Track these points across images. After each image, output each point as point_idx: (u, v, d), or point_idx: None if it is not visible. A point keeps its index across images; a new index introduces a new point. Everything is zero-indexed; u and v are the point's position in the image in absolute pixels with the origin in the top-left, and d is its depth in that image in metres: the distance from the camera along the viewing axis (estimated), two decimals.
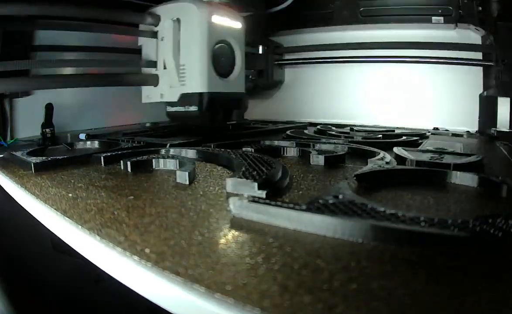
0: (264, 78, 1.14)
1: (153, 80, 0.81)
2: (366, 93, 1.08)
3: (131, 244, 0.22)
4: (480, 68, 0.94)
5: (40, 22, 0.76)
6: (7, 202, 0.41)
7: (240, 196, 0.27)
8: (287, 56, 1.18)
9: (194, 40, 0.73)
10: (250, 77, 1.12)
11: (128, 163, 0.40)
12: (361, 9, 1.04)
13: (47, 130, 0.91)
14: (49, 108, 0.91)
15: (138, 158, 0.44)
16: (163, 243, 0.22)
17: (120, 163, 0.43)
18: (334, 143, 0.56)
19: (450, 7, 0.94)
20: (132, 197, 0.31)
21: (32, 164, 0.41)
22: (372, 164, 0.37)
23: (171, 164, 0.42)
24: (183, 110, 0.77)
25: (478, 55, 0.93)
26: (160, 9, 0.78)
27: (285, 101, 1.20)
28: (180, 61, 0.75)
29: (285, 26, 1.14)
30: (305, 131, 0.84)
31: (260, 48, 1.12)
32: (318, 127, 0.88)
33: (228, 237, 0.23)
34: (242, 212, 0.26)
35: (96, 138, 0.83)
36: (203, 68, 0.74)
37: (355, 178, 0.33)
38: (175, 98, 0.77)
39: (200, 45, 0.73)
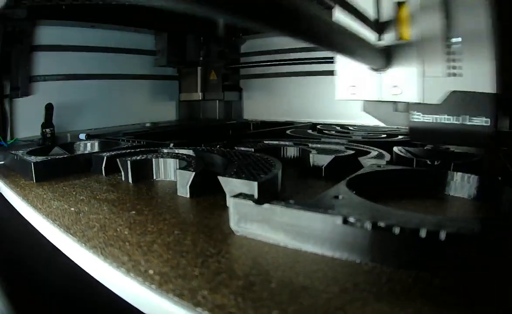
0: None
1: (380, 58, 0.46)
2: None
3: (134, 264, 0.22)
4: None
5: None
6: (7, 202, 0.42)
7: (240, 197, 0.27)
8: (285, 56, 1.17)
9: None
10: None
11: (129, 174, 0.40)
12: None
13: (47, 130, 0.91)
14: (49, 108, 0.91)
15: (137, 157, 0.43)
16: (166, 264, 0.22)
17: (121, 173, 0.43)
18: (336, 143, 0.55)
19: None
20: (134, 212, 0.31)
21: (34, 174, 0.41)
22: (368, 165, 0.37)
23: (171, 172, 0.42)
24: (459, 123, 0.46)
25: None
26: None
27: (284, 101, 1.20)
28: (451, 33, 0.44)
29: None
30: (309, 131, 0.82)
31: None
32: (318, 127, 0.88)
33: (229, 256, 0.24)
34: (242, 227, 0.26)
35: (96, 139, 0.83)
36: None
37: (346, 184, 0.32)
38: (435, 99, 0.46)
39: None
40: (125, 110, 1.13)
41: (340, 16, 0.43)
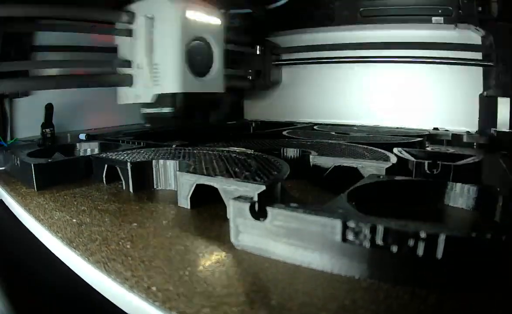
0: (261, 79, 1.14)
1: (128, 80, 0.77)
2: (365, 93, 1.08)
3: (137, 280, 0.23)
4: (480, 68, 0.94)
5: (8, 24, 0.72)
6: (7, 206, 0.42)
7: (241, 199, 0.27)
8: (284, 56, 1.18)
9: (167, 37, 0.70)
10: (249, 77, 1.11)
11: (130, 183, 0.41)
12: (361, 9, 1.03)
13: (47, 130, 0.91)
14: (49, 108, 0.91)
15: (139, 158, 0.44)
16: (169, 280, 0.23)
17: (121, 181, 0.43)
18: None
19: (450, 7, 0.94)
20: (135, 224, 0.32)
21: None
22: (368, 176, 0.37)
23: (172, 181, 0.43)
24: (158, 111, 0.75)
25: (478, 55, 0.93)
26: (135, 6, 0.74)
27: (284, 101, 1.20)
28: (154, 60, 0.72)
29: (283, 26, 1.13)
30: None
31: (257, 48, 1.12)
32: (315, 127, 0.88)
33: (230, 272, 0.24)
34: (242, 241, 0.26)
35: (96, 139, 0.83)
36: (176, 67, 0.71)
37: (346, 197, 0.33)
38: (149, 99, 0.75)
39: (174, 42, 0.70)
40: (125, 110, 1.13)
41: None
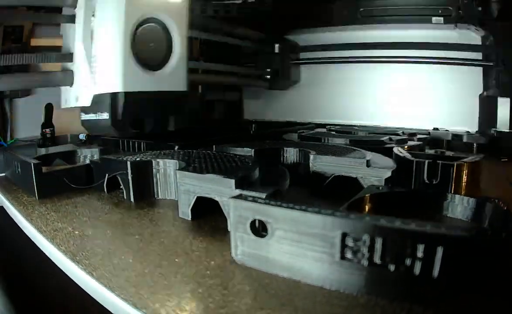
0: (280, 78, 1.10)
1: (68, 79, 0.59)
2: (365, 93, 1.08)
3: (141, 297, 0.23)
4: (480, 68, 0.94)
5: None
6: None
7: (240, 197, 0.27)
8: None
9: (108, 19, 0.52)
10: (266, 76, 1.09)
11: (131, 193, 0.41)
12: (361, 9, 1.03)
13: (47, 130, 0.91)
14: (49, 108, 0.91)
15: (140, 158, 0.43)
16: (172, 297, 0.23)
17: (122, 189, 0.43)
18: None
19: (450, 7, 0.93)
20: (137, 236, 0.32)
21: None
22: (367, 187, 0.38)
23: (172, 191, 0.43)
24: (95, 118, 0.58)
25: (478, 55, 0.93)
26: None
27: (291, 101, 1.20)
28: (92, 51, 0.54)
29: (300, 24, 1.12)
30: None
31: (276, 46, 1.07)
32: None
33: (232, 289, 0.25)
34: (242, 256, 0.27)
35: (95, 139, 0.83)
36: (117, 57, 0.52)
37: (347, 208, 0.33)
38: (87, 102, 0.57)
39: (115, 25, 0.51)
40: None
41: None
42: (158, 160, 0.43)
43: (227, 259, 0.28)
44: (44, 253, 0.33)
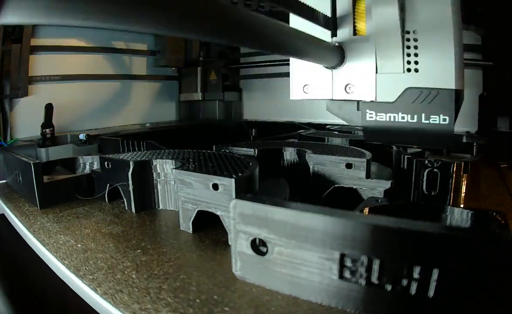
0: None
1: (331, 56, 0.43)
2: None
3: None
4: (480, 68, 0.94)
5: None
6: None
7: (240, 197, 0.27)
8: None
9: None
10: None
11: (132, 204, 0.42)
12: None
13: (47, 130, 0.91)
14: (49, 108, 0.91)
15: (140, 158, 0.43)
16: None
17: (123, 200, 0.43)
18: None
19: None
20: (139, 250, 0.32)
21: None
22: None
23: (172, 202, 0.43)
24: (415, 121, 0.42)
25: (478, 56, 0.93)
26: None
27: (285, 101, 1.20)
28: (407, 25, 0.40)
29: None
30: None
31: None
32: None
33: (233, 306, 0.25)
34: (243, 273, 0.27)
35: (95, 139, 0.84)
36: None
37: None
38: (392, 97, 0.43)
39: None
40: (125, 110, 1.13)
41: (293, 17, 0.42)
42: (159, 171, 0.43)
43: (228, 275, 0.28)
44: (45, 265, 0.33)
